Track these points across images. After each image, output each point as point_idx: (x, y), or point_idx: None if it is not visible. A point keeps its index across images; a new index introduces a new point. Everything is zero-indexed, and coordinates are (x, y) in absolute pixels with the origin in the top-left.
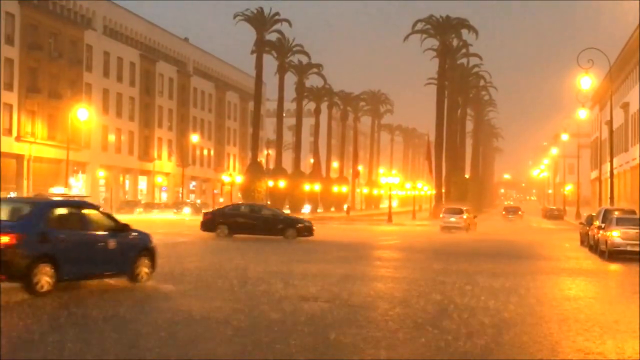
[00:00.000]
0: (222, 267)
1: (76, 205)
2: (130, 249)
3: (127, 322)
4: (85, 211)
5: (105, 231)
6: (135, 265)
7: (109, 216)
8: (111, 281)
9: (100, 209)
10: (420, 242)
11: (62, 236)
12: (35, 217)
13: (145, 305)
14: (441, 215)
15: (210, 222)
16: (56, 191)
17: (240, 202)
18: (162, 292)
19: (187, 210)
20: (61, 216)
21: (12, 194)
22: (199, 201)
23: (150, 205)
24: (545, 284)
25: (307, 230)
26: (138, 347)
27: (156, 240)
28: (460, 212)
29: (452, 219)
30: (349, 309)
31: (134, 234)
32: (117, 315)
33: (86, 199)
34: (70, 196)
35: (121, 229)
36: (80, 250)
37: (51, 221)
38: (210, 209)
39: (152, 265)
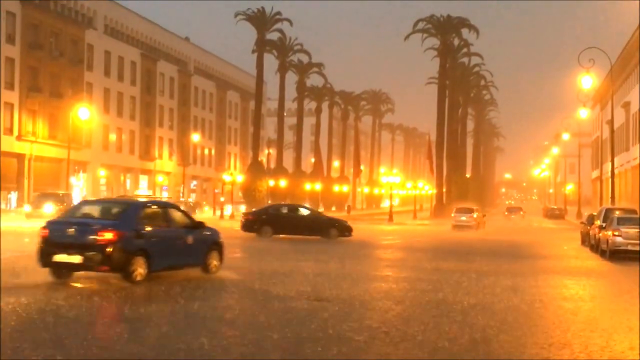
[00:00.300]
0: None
1: (161, 205)
2: (204, 244)
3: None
4: (168, 210)
5: (184, 228)
6: (207, 258)
7: (187, 215)
8: (188, 272)
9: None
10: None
11: (152, 233)
12: (131, 216)
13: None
14: (452, 215)
15: (254, 223)
16: (141, 193)
17: (281, 203)
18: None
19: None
20: (150, 215)
21: (13, 194)
22: (191, 200)
23: None
24: (546, 284)
25: (347, 230)
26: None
27: None
28: (471, 211)
29: (463, 218)
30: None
31: (207, 230)
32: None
33: (168, 200)
34: (154, 197)
35: (197, 226)
36: (166, 245)
37: (143, 219)
38: (253, 210)
39: (221, 258)
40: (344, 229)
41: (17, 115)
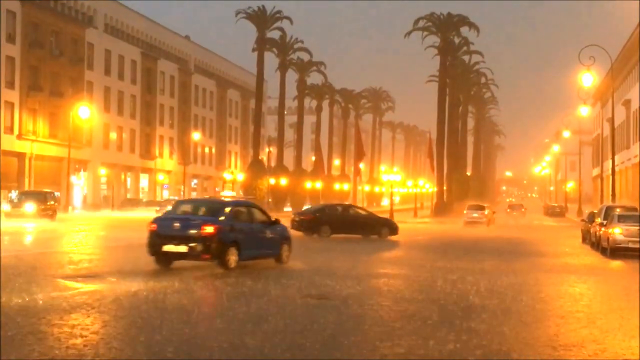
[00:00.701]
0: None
1: (246, 204)
2: (278, 238)
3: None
4: (251, 209)
5: (263, 224)
6: (281, 250)
7: (265, 213)
8: (266, 261)
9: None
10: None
11: (241, 227)
12: (226, 213)
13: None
14: (465, 212)
15: (311, 222)
16: (226, 194)
17: (333, 203)
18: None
19: (169, 208)
20: (239, 212)
21: (14, 193)
22: (176, 198)
23: (134, 202)
24: (548, 281)
25: (396, 229)
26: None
27: None
28: (482, 208)
29: (475, 215)
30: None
31: (279, 227)
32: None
33: (250, 200)
34: (238, 197)
35: (273, 222)
36: (251, 238)
37: (234, 216)
38: (304, 210)
39: (290, 250)
40: (394, 228)
41: (18, 114)
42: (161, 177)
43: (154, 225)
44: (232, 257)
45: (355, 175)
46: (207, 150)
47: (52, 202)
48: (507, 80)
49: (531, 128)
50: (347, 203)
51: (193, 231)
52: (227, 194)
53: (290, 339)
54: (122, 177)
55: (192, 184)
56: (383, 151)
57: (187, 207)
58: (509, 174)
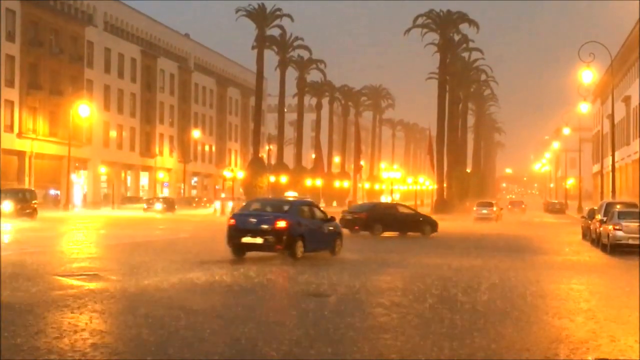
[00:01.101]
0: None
1: (308, 204)
2: (333, 233)
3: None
4: (312, 207)
5: (321, 221)
6: (335, 244)
7: (322, 211)
8: (323, 253)
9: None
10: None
11: (305, 223)
12: (294, 210)
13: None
14: (475, 209)
15: (366, 220)
16: (290, 194)
17: (381, 202)
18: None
19: (158, 206)
20: (303, 210)
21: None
22: (166, 194)
23: (134, 201)
24: (548, 279)
25: (436, 226)
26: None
27: None
28: (491, 205)
29: (485, 211)
30: None
31: (334, 223)
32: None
33: (309, 199)
34: (301, 197)
35: (329, 219)
36: (313, 233)
37: (300, 213)
38: (352, 208)
39: (341, 244)
40: (434, 226)
41: (18, 112)
42: (161, 175)
43: (233, 221)
44: (300, 249)
45: (355, 172)
46: (207, 148)
47: (34, 201)
48: (507, 77)
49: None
50: (393, 202)
51: (267, 226)
52: (291, 195)
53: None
54: (122, 175)
55: (193, 181)
56: (383, 149)
57: (257, 205)
58: (509, 171)
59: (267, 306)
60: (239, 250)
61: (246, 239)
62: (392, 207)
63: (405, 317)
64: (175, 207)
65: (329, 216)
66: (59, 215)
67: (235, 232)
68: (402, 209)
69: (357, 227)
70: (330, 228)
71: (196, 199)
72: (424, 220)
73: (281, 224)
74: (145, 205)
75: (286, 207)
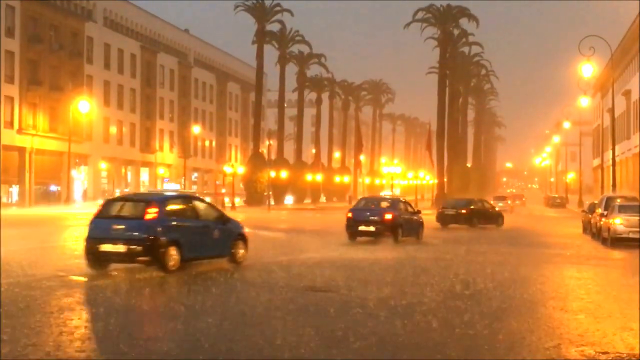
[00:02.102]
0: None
1: (403, 201)
2: (419, 223)
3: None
4: (406, 203)
5: (412, 213)
6: (420, 231)
7: (412, 206)
8: (410, 238)
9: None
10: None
11: (403, 216)
12: (396, 205)
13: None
14: (492, 202)
15: (467, 215)
16: (385, 193)
17: (469, 198)
18: (434, 244)
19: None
20: (400, 206)
21: (15, 188)
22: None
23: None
24: (549, 272)
25: (503, 219)
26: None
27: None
28: (505, 198)
29: (501, 204)
30: None
31: (419, 215)
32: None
33: (403, 198)
34: (396, 196)
35: (416, 212)
36: (408, 223)
37: (399, 208)
38: (446, 204)
39: (423, 232)
40: (503, 219)
41: (18, 108)
42: (162, 171)
43: (351, 214)
44: (400, 236)
45: (355, 167)
46: (207, 143)
47: None
48: (507, 71)
49: (531, 119)
50: (478, 198)
51: (377, 218)
52: (386, 194)
53: None
54: (123, 171)
55: (193, 177)
56: (383, 143)
57: (366, 202)
58: (509, 165)
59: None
60: (355, 236)
61: (362, 228)
62: (480, 203)
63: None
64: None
65: (416, 209)
66: (58, 212)
67: (353, 223)
68: (486, 205)
69: (457, 221)
70: (415, 218)
71: (196, 194)
72: (498, 214)
73: (388, 216)
74: (101, 201)
75: (389, 204)
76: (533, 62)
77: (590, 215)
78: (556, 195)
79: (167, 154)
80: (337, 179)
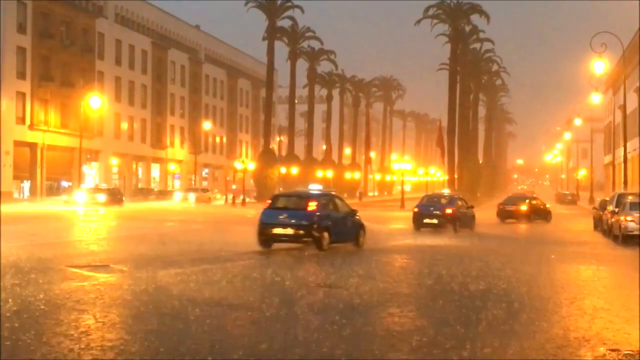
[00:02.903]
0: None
1: (460, 198)
2: (472, 216)
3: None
4: (463, 200)
5: (466, 208)
6: (473, 223)
7: (466, 202)
8: (466, 230)
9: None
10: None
11: (460, 210)
12: (454, 202)
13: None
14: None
15: (527, 212)
16: (445, 192)
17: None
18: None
19: (101, 197)
20: (459, 202)
21: (26, 183)
22: (177, 185)
23: (146, 192)
24: (560, 269)
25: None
26: None
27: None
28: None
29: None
30: None
31: (472, 210)
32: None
33: (459, 195)
34: (455, 193)
35: (470, 207)
36: (463, 217)
37: (457, 204)
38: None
39: (475, 224)
40: (552, 215)
41: (30, 104)
42: (172, 167)
43: (417, 209)
44: (457, 227)
45: (366, 163)
46: (217, 139)
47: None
48: (518, 67)
49: (543, 116)
50: (530, 194)
51: (439, 212)
52: (446, 192)
53: None
54: (134, 166)
55: (203, 173)
56: (394, 140)
57: (429, 199)
58: (520, 162)
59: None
60: (420, 227)
61: (427, 220)
62: (534, 199)
63: None
64: (123, 199)
65: (469, 205)
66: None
67: (419, 216)
68: (537, 201)
69: (516, 217)
70: (470, 214)
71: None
72: (547, 210)
73: (449, 210)
74: (65, 197)
75: (450, 200)
76: (544, 59)
77: (601, 213)
78: (567, 192)
79: (177, 150)
80: (348, 175)
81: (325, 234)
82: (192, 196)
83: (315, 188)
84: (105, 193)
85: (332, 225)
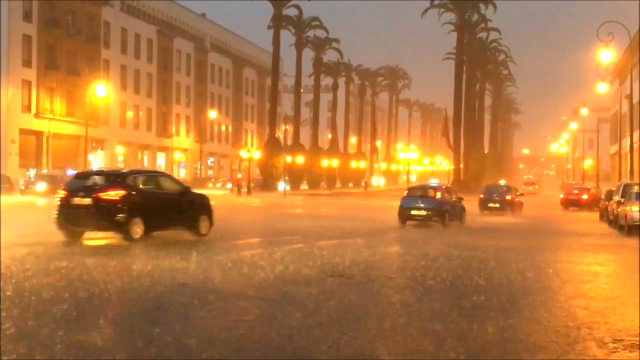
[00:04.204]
0: None
1: (509, 187)
2: (460, 208)
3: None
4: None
5: (518, 195)
6: (462, 217)
7: (516, 189)
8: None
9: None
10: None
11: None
12: (512, 189)
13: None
14: (522, 187)
15: (588, 200)
16: (502, 182)
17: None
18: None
19: (40, 186)
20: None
21: (32, 171)
22: (182, 174)
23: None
24: (565, 259)
25: None
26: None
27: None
28: (534, 183)
29: (530, 188)
30: None
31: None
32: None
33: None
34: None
35: (519, 194)
36: (454, 208)
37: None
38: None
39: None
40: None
41: (35, 93)
42: (178, 156)
43: (482, 195)
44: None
45: (371, 153)
46: (223, 128)
47: None
48: (525, 57)
49: (549, 105)
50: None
51: (499, 198)
52: (433, 182)
53: None
54: (139, 155)
55: (209, 162)
56: (399, 129)
57: (488, 188)
58: (526, 151)
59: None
60: (485, 210)
61: (491, 205)
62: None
63: None
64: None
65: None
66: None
67: (484, 202)
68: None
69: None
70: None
71: (212, 179)
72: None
73: (508, 197)
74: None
75: (508, 189)
76: (551, 48)
77: (607, 203)
78: (573, 182)
79: (183, 139)
80: (353, 164)
81: (446, 215)
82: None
83: (434, 182)
84: (47, 181)
85: (450, 208)
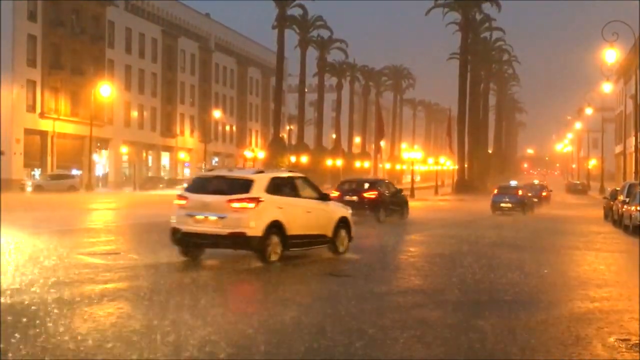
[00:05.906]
0: None
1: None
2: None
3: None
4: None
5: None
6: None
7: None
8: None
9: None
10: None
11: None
12: (535, 189)
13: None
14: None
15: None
16: (512, 183)
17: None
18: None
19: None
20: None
21: (37, 171)
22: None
23: (156, 181)
24: (569, 259)
25: None
26: None
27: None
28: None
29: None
30: None
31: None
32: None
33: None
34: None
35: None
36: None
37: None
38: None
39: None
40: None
41: (40, 92)
42: (182, 155)
43: (496, 191)
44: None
45: (376, 152)
46: (227, 128)
47: None
48: (529, 56)
49: (553, 105)
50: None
51: (516, 197)
52: (513, 183)
53: None
54: (144, 155)
55: (213, 162)
56: (404, 129)
57: (504, 189)
58: (530, 151)
59: None
60: (498, 210)
61: (503, 205)
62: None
63: None
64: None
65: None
66: (81, 196)
67: (496, 201)
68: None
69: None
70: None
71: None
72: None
73: (519, 192)
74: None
75: (540, 187)
76: (555, 47)
77: (612, 202)
78: (578, 182)
79: (187, 139)
80: (358, 164)
81: (527, 208)
82: None
83: (513, 183)
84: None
85: (528, 203)
